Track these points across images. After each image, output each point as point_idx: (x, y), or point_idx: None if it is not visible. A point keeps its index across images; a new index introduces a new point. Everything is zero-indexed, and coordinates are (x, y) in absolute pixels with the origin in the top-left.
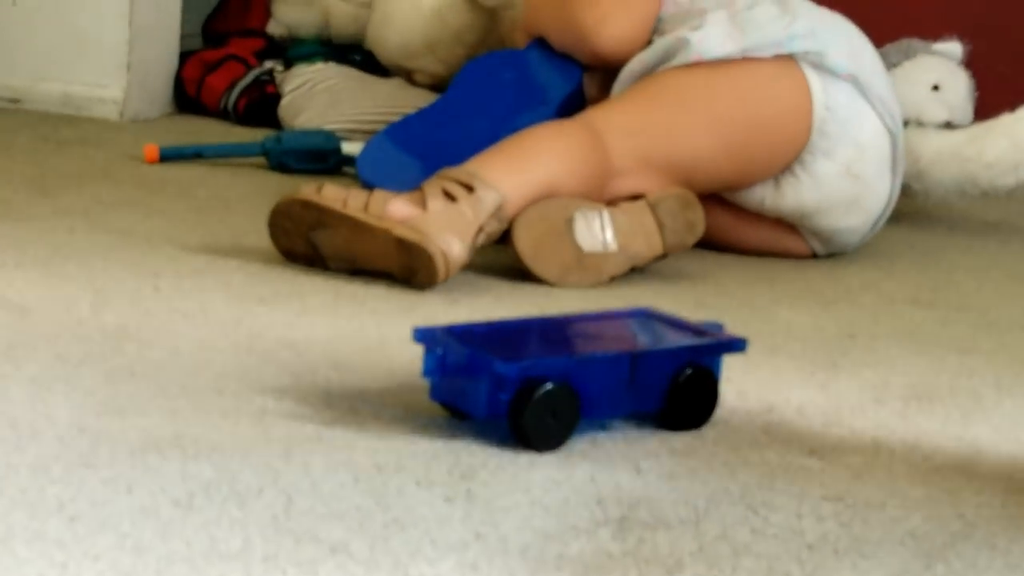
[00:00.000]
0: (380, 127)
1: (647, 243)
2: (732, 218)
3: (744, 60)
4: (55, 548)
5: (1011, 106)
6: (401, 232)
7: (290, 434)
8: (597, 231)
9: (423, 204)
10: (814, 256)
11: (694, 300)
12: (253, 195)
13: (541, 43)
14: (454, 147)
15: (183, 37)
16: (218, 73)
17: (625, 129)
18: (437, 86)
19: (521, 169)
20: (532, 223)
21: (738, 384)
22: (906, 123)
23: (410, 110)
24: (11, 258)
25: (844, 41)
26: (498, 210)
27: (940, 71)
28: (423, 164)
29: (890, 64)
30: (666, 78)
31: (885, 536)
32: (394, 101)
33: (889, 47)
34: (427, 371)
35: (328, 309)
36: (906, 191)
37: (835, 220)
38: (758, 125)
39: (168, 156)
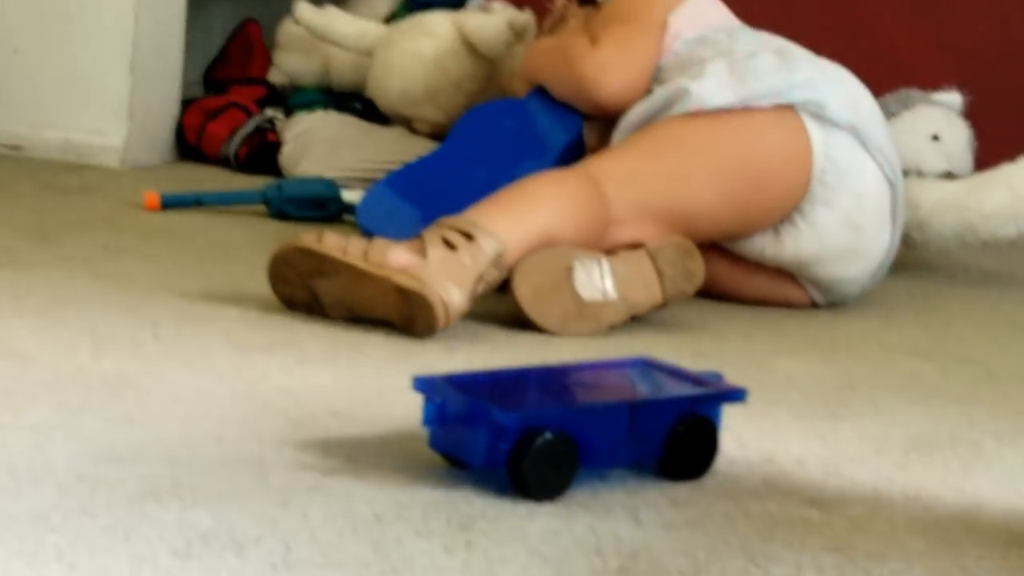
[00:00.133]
0: (380, 175)
1: (646, 292)
2: (732, 267)
3: (744, 110)
4: None
5: (1011, 156)
6: (401, 280)
7: (289, 483)
8: (596, 280)
9: (423, 252)
10: (814, 306)
11: (693, 349)
12: (253, 243)
13: (541, 92)
14: (454, 195)
15: (184, 85)
16: (219, 121)
17: (625, 178)
18: (437, 134)
19: (521, 218)
20: (531, 272)
21: (738, 434)
22: (906, 173)
23: (410, 158)
24: (11, 305)
25: (844, 91)
26: (498, 259)
27: (939, 121)
28: (423, 212)
29: (889, 114)
30: (666, 127)
31: None
32: (394, 149)
33: (888, 97)
34: (426, 420)
35: (327, 357)
36: (906, 241)
37: (835, 270)
38: (758, 175)
39: (169, 204)
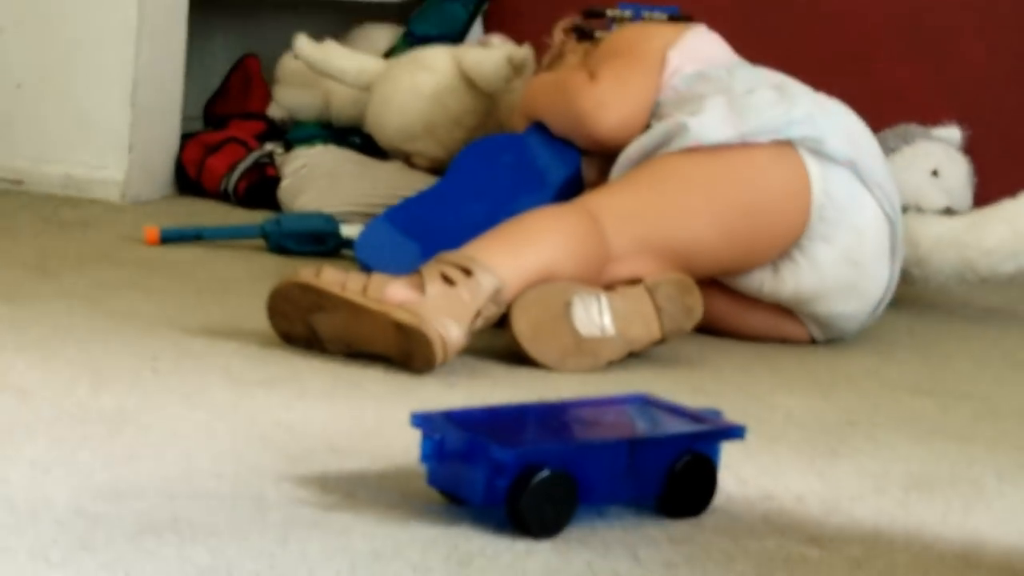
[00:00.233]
0: (379, 210)
1: (645, 328)
2: (730, 303)
3: (742, 145)
4: None
5: (1010, 192)
6: (399, 316)
7: (287, 519)
8: (595, 316)
9: (421, 288)
10: (813, 342)
11: (692, 386)
12: (252, 277)
13: (540, 127)
14: (452, 230)
15: (184, 119)
16: (219, 155)
17: (623, 213)
18: (436, 169)
19: (519, 253)
20: (530, 307)
21: (737, 471)
22: (905, 209)
23: (409, 193)
24: (11, 340)
25: (842, 127)
26: (496, 294)
27: (939, 157)
28: (421, 247)
29: (889, 149)
30: (664, 163)
31: None
32: (393, 184)
33: (888, 132)
34: (425, 457)
35: (326, 392)
36: (905, 277)
37: (834, 306)
38: (756, 210)
39: (168, 238)
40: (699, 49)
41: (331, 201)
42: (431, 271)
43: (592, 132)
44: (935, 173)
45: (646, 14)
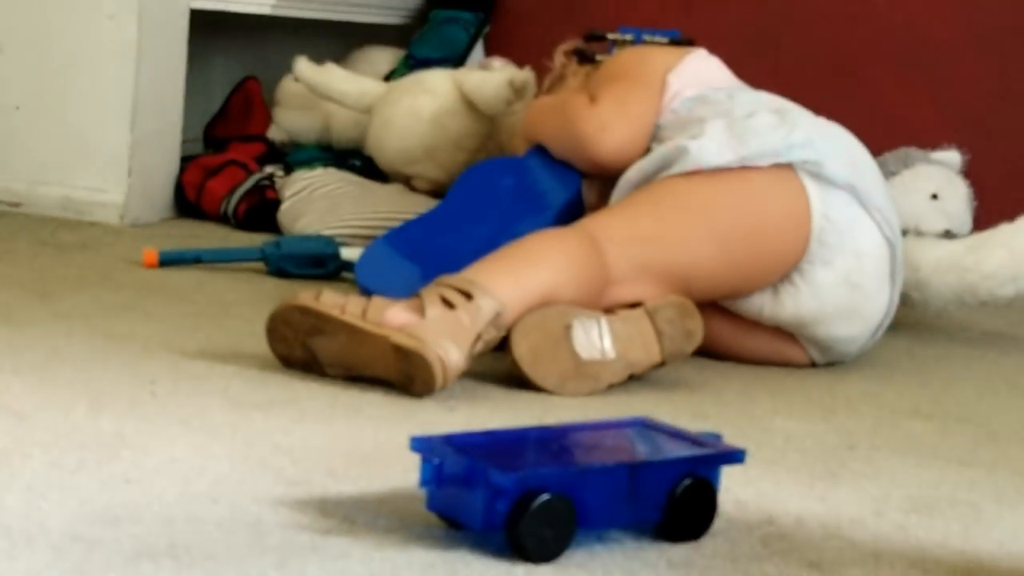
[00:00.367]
0: (379, 233)
1: (645, 351)
2: (730, 327)
3: (742, 169)
4: None
5: (1010, 216)
6: (399, 339)
7: (285, 543)
8: (595, 339)
9: (421, 311)
10: (813, 365)
11: (692, 409)
12: (251, 300)
13: (540, 150)
14: (453, 253)
15: (184, 142)
16: (218, 178)
17: (623, 237)
18: (436, 192)
19: (519, 277)
20: (530, 331)
21: (737, 495)
22: (905, 232)
23: (409, 216)
24: (8, 363)
25: (842, 150)
26: (496, 318)
27: (939, 180)
28: (422, 270)
29: (888, 173)
30: (664, 186)
31: None
32: (393, 207)
33: (887, 156)
34: (424, 481)
35: (325, 416)
36: (905, 300)
37: (834, 329)
38: (756, 234)
39: (167, 261)
40: (699, 72)
41: (331, 224)
42: (431, 294)
43: (592, 155)
44: (935, 196)
45: (647, 37)
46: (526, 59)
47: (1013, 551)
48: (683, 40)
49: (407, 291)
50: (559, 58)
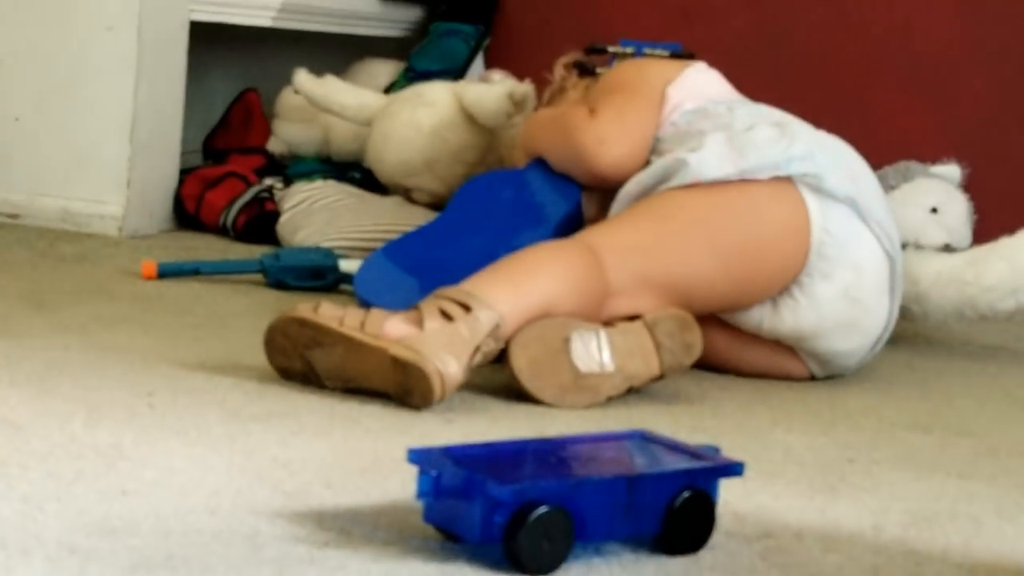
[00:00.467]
0: (378, 245)
1: (644, 364)
2: (730, 340)
3: (742, 182)
4: None
5: (1010, 230)
6: (397, 351)
7: (282, 555)
8: (594, 351)
9: (420, 323)
10: (812, 378)
11: (691, 422)
12: (250, 312)
13: (540, 163)
14: (452, 266)
15: (183, 154)
16: (218, 190)
17: (623, 249)
18: (436, 204)
19: (518, 289)
20: (529, 343)
21: (735, 508)
22: (904, 246)
23: (408, 228)
24: (5, 374)
25: (842, 164)
26: (495, 330)
27: (938, 194)
28: (420, 283)
29: (888, 187)
30: (664, 199)
31: None
32: (393, 219)
33: (887, 169)
34: (421, 493)
35: (323, 428)
36: (905, 314)
37: (833, 343)
38: (756, 247)
39: (166, 273)
40: (699, 85)
41: (330, 236)
42: (430, 307)
43: (592, 167)
44: (934, 210)
45: (648, 50)
46: (526, 72)
47: (1013, 564)
48: (684, 53)
49: (406, 303)
50: (559, 71)
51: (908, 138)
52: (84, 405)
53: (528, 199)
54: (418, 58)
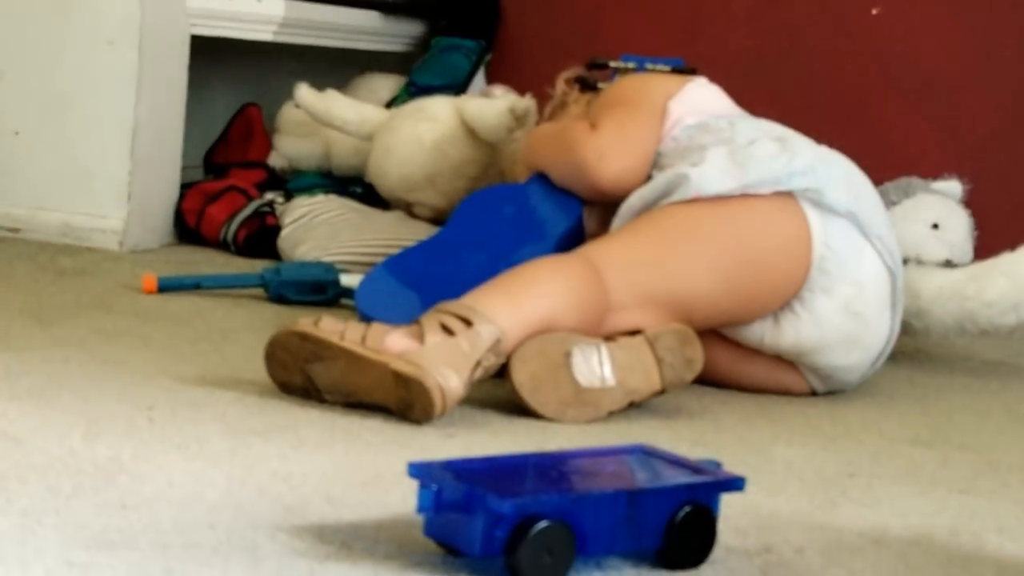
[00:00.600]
0: (379, 259)
1: (645, 379)
2: (731, 354)
3: (743, 196)
4: None
5: (1011, 245)
6: (398, 366)
7: (282, 569)
8: (595, 366)
9: (420, 338)
10: (813, 393)
11: (692, 437)
12: (250, 327)
13: (541, 177)
14: (452, 280)
15: (184, 168)
16: (218, 204)
17: (624, 264)
18: (437, 219)
19: (519, 303)
20: (530, 358)
21: (736, 523)
22: (906, 261)
23: (409, 243)
24: (5, 387)
25: (843, 179)
26: (496, 344)
27: (940, 209)
28: (421, 297)
29: (889, 202)
30: (665, 214)
31: None
32: (394, 234)
33: (888, 185)
34: (421, 507)
35: (323, 442)
36: (906, 329)
37: (834, 358)
38: (757, 262)
39: (166, 287)
40: (700, 100)
41: (331, 250)
42: (431, 321)
43: (593, 182)
44: (936, 226)
45: (649, 66)
46: (527, 87)
47: None
48: (686, 68)
49: (407, 318)
50: (560, 85)
51: (909, 154)
52: (84, 419)
53: (529, 214)
54: (419, 73)
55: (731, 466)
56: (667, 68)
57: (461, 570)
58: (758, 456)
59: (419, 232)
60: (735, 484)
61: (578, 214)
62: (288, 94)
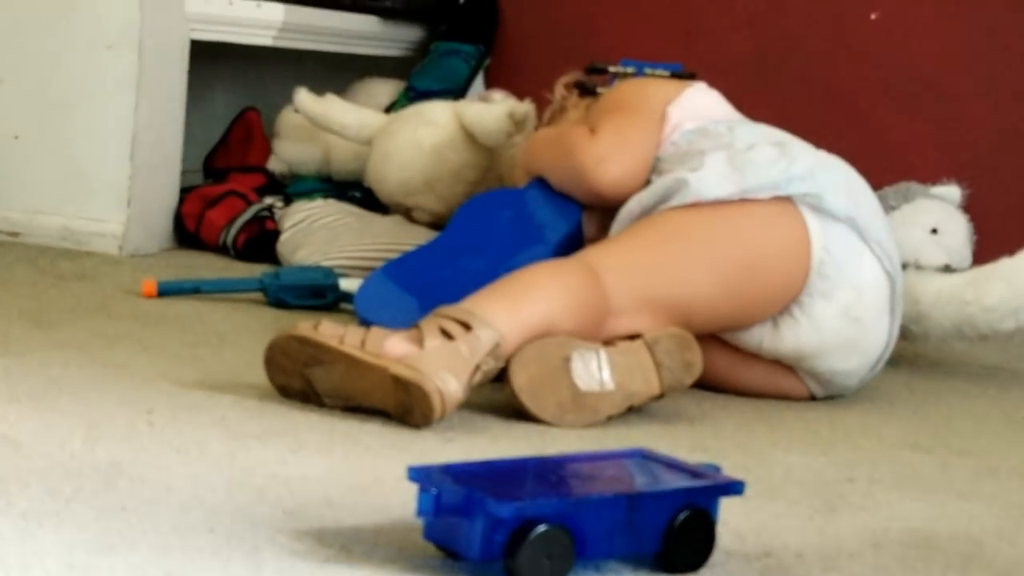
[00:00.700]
0: (378, 264)
1: (644, 383)
2: (730, 359)
3: (742, 201)
4: None
5: (1009, 250)
6: (397, 370)
7: (282, 573)
8: (594, 370)
9: (420, 342)
10: (812, 398)
11: (691, 441)
12: (250, 331)
13: (540, 182)
14: (452, 285)
15: (184, 172)
16: (218, 208)
17: (623, 269)
18: (436, 223)
19: (518, 308)
20: (529, 362)
21: (735, 527)
22: (905, 266)
23: (409, 247)
24: (5, 391)
25: (842, 184)
26: (495, 349)
27: (939, 214)
28: (420, 302)
29: (889, 207)
30: (664, 218)
31: None
32: (393, 238)
33: (888, 190)
34: (421, 511)
35: (323, 446)
36: (905, 334)
37: (833, 362)
38: (756, 266)
39: (166, 291)
40: (699, 105)
41: (330, 255)
42: (430, 325)
43: (592, 187)
44: (935, 231)
45: (649, 71)
46: (526, 91)
47: None
48: (685, 73)
49: (406, 322)
50: (560, 90)
51: (908, 159)
52: (84, 422)
53: (528, 218)
54: (419, 77)
55: (730, 470)
56: (666, 73)
57: (460, 574)
58: (757, 461)
59: (418, 236)
60: (734, 488)
61: (577, 219)
62: (287, 99)
